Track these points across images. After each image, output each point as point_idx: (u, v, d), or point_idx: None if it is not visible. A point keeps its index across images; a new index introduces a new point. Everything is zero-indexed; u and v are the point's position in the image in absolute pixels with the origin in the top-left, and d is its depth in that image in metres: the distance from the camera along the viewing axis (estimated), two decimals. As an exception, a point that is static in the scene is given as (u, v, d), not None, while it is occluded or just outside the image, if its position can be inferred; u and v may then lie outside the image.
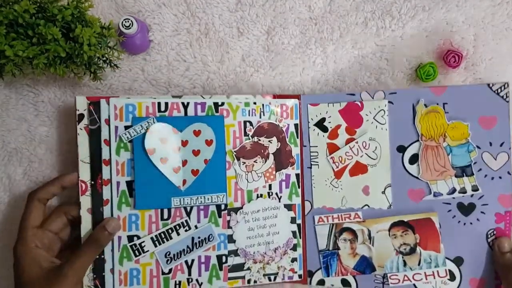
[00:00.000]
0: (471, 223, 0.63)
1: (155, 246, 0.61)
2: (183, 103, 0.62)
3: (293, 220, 0.66)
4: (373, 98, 0.66)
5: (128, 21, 0.61)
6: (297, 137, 0.66)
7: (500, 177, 0.63)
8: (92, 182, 0.60)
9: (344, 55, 0.68)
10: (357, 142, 0.66)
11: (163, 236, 0.61)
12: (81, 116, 0.60)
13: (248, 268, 0.64)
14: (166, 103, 0.61)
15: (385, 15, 0.68)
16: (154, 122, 0.60)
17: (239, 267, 0.64)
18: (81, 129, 0.59)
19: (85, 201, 0.59)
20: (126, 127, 0.60)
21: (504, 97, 0.63)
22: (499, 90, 0.63)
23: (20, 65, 0.58)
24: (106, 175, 0.60)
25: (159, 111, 0.61)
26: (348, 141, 0.66)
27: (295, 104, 0.66)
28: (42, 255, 0.56)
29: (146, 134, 0.60)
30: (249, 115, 0.64)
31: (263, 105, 0.65)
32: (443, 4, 0.68)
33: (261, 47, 0.68)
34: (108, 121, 0.60)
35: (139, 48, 0.66)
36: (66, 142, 0.66)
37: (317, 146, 0.67)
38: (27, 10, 0.54)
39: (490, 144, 0.63)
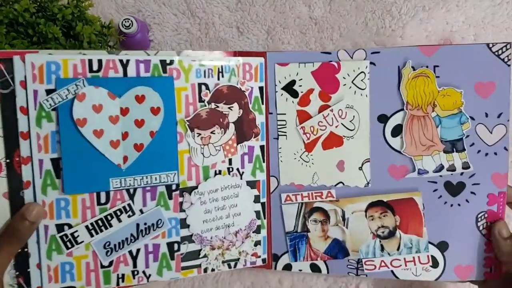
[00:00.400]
0: (459, 205, 0.56)
1: (91, 235, 0.51)
2: (121, 61, 0.50)
3: (256, 199, 0.58)
4: (352, 58, 0.56)
5: (128, 21, 0.61)
6: (262, 103, 0.57)
7: (495, 153, 0.55)
8: (8, 161, 0.48)
9: None
10: (332, 110, 0.57)
11: (100, 224, 0.51)
12: None
13: (205, 256, 0.56)
14: (100, 61, 0.49)
15: (385, 15, 0.68)
16: (84, 85, 0.48)
17: (194, 255, 0.55)
18: None
19: (0, 184, 0.48)
20: (49, 92, 0.48)
21: (506, 60, 0.53)
22: (499, 52, 0.53)
23: None
24: (25, 152, 0.48)
25: (91, 70, 0.49)
26: (321, 109, 0.57)
27: (260, 63, 0.56)
28: None
29: (75, 100, 0.48)
30: (204, 77, 0.54)
31: (221, 64, 0.54)
32: (443, 4, 0.68)
33: (261, 47, 0.68)
34: (24, 84, 0.47)
35: (139, 48, 0.65)
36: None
37: (285, 114, 0.57)
38: (27, 9, 0.54)
39: (486, 115, 0.54)
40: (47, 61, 0.47)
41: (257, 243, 0.58)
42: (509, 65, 0.53)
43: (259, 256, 0.58)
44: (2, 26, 0.53)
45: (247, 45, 0.68)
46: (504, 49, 0.53)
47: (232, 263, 0.57)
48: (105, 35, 0.60)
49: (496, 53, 0.53)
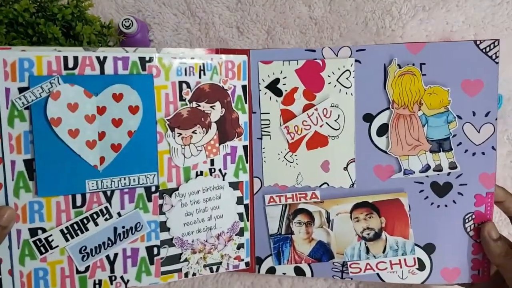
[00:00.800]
0: (446, 206, 0.55)
1: (67, 240, 0.49)
2: (98, 58, 0.48)
3: (239, 201, 0.56)
4: (337, 55, 0.55)
5: (128, 21, 0.61)
6: (246, 102, 0.55)
7: (483, 153, 0.54)
8: (-23, 162, 0.45)
9: None
10: (316, 109, 0.55)
11: (76, 228, 0.49)
12: None
13: (186, 260, 0.54)
14: (76, 58, 0.47)
15: (385, 15, 0.68)
16: (59, 83, 0.46)
17: (174, 259, 0.53)
18: None
19: (-31, 187, 0.46)
20: (21, 90, 0.46)
21: (493, 57, 0.52)
22: (487, 49, 0.52)
23: None
24: (-4, 153, 0.46)
25: (66, 68, 0.47)
26: (306, 108, 0.56)
27: (243, 61, 0.55)
28: None
29: (49, 99, 0.46)
30: (186, 75, 0.52)
31: (203, 62, 0.52)
32: (443, 4, 0.68)
33: (261, 46, 0.68)
34: (-5, 81, 0.45)
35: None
36: None
37: (269, 113, 0.56)
38: (27, 9, 0.54)
39: (474, 113, 0.53)
40: (20, 58, 0.45)
41: (240, 246, 0.56)
42: (497, 63, 0.52)
43: (242, 260, 0.57)
44: (2, 26, 0.53)
45: (247, 45, 0.68)
46: (492, 46, 0.52)
47: (214, 267, 0.56)
48: (105, 35, 0.60)
49: (484, 50, 0.52)
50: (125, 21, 0.61)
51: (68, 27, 0.57)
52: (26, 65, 0.45)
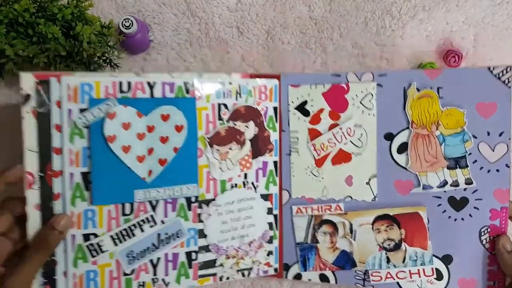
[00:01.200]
0: (462, 219, 0.58)
1: (115, 244, 0.54)
2: (148, 83, 0.53)
3: (269, 211, 0.61)
4: (360, 80, 0.60)
5: (128, 21, 0.61)
6: (276, 121, 0.60)
7: (497, 170, 0.57)
8: (41, 174, 0.51)
9: (344, 55, 0.68)
10: (341, 128, 0.60)
11: (124, 234, 0.54)
12: (28, 97, 0.50)
13: (221, 265, 0.59)
14: (129, 83, 0.53)
15: (385, 15, 0.68)
16: (115, 105, 0.52)
17: (210, 264, 0.58)
18: (27, 112, 0.50)
19: (32, 196, 0.51)
20: (82, 110, 0.51)
21: (506, 82, 0.56)
22: (500, 74, 0.56)
23: (20, 64, 0.57)
24: (57, 166, 0.51)
25: (121, 91, 0.52)
26: (331, 127, 0.60)
27: (274, 85, 0.60)
28: None
29: (106, 118, 0.51)
30: (224, 97, 0.58)
31: (239, 85, 0.58)
32: (443, 4, 0.68)
33: (261, 46, 0.68)
34: (60, 103, 0.50)
35: (139, 48, 0.66)
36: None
37: (297, 132, 0.61)
38: (27, 9, 0.54)
39: (488, 133, 0.57)
40: (81, 83, 0.51)
41: (269, 253, 0.61)
42: (509, 87, 0.56)
43: (271, 266, 0.61)
44: (2, 26, 0.54)
45: (247, 45, 0.68)
46: (504, 71, 0.56)
47: (246, 272, 0.60)
48: (105, 35, 0.59)
49: (497, 75, 0.56)
50: (125, 21, 0.61)
51: (68, 27, 0.57)
52: (87, 89, 0.51)
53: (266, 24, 0.68)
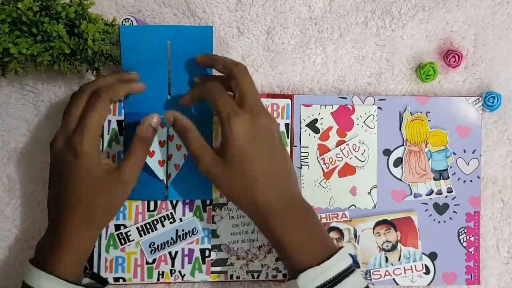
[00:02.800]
0: (444, 222, 0.67)
1: (140, 236, 0.63)
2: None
3: (280, 219, 0.66)
4: (363, 103, 0.67)
5: (128, 21, 0.62)
6: (288, 137, 0.67)
7: (471, 181, 0.68)
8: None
9: (344, 55, 0.68)
10: (347, 145, 0.66)
11: (148, 227, 0.63)
12: None
13: (231, 264, 0.65)
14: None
15: (385, 15, 0.68)
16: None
17: (221, 262, 0.65)
18: None
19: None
20: (119, 121, 0.63)
21: (478, 109, 0.67)
22: (474, 103, 0.67)
23: (24, 63, 0.58)
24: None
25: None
26: (338, 143, 0.66)
27: (286, 104, 0.66)
28: (100, 155, 0.56)
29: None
30: None
31: None
32: (443, 4, 0.68)
33: (261, 46, 0.68)
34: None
35: None
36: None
37: (308, 147, 0.67)
38: (31, 8, 0.54)
39: (464, 151, 0.68)
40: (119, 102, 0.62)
41: (278, 259, 0.66)
42: (481, 113, 0.67)
43: (280, 271, 0.66)
44: (5, 25, 0.54)
45: (247, 45, 0.68)
46: (477, 101, 0.67)
47: (255, 274, 0.65)
48: (108, 33, 0.60)
49: (472, 103, 0.67)
50: (125, 21, 0.61)
51: (71, 26, 0.57)
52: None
53: (266, 24, 0.68)
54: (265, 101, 0.66)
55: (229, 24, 0.68)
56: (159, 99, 0.63)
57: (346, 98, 0.66)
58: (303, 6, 0.68)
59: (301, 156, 0.67)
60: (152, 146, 0.61)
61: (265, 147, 0.55)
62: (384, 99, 0.67)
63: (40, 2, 0.57)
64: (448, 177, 0.67)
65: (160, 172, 0.62)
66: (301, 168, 0.67)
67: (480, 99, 0.67)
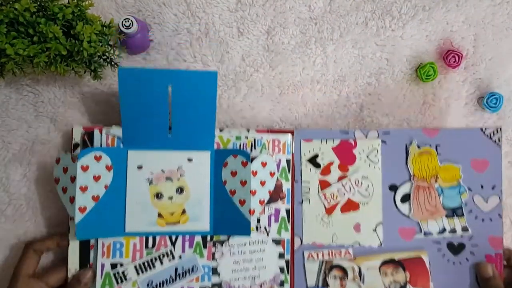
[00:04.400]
0: (460, 263, 0.63)
1: (138, 274, 0.61)
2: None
3: (281, 256, 0.65)
4: (366, 137, 0.65)
5: (128, 21, 0.61)
6: (289, 172, 0.66)
7: (490, 219, 0.63)
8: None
9: (344, 55, 0.69)
10: (349, 180, 0.65)
11: (146, 265, 0.61)
12: (76, 146, 0.62)
13: (232, 302, 0.63)
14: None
15: (385, 15, 0.68)
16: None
17: (222, 301, 0.63)
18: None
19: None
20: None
21: (497, 141, 0.63)
22: (491, 135, 0.64)
23: (21, 64, 0.58)
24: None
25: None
26: (340, 178, 0.65)
27: (288, 139, 0.66)
28: None
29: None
30: (240, 148, 0.64)
31: (254, 139, 0.64)
32: (443, 4, 0.69)
33: (261, 46, 0.68)
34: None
35: (139, 47, 0.66)
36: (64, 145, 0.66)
37: (309, 182, 0.66)
38: (28, 9, 0.54)
39: (482, 187, 0.63)
40: (117, 136, 0.62)
41: (279, 296, 0.65)
42: (499, 146, 0.62)
43: (281, 308, 0.65)
44: (2, 26, 0.54)
45: (247, 45, 0.68)
46: (495, 132, 0.62)
47: (257, 311, 0.64)
48: (105, 34, 0.59)
49: (488, 135, 0.62)
50: (125, 21, 0.61)
51: (68, 27, 0.57)
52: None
53: (266, 24, 0.68)
54: (266, 136, 0.65)
55: (229, 24, 0.68)
56: (159, 137, 0.61)
57: (348, 133, 0.66)
58: (303, 6, 0.68)
59: (302, 191, 0.66)
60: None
61: None
62: (388, 132, 0.65)
63: (37, 3, 0.56)
64: (463, 215, 0.63)
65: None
66: (302, 203, 0.66)
67: (498, 130, 0.63)
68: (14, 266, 0.60)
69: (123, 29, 0.62)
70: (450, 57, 0.67)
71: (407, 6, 0.68)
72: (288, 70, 0.69)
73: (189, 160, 0.62)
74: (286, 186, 0.65)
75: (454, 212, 0.64)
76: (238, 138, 0.64)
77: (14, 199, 0.65)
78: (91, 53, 0.57)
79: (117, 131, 0.61)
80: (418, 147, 0.64)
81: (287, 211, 0.65)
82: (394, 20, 0.69)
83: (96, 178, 0.58)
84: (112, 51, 0.62)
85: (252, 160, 0.61)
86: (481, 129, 0.64)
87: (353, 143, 0.65)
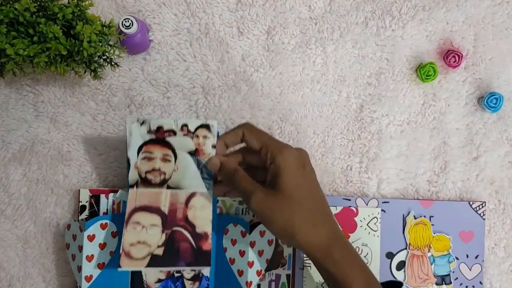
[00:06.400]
0: None
1: None
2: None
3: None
4: (367, 205, 0.67)
5: (128, 21, 0.61)
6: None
7: (473, 286, 0.67)
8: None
9: (344, 55, 0.69)
10: (351, 247, 0.67)
11: None
12: (83, 208, 0.63)
13: None
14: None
15: (385, 15, 0.69)
16: None
17: None
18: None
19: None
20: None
21: (481, 215, 0.68)
22: (477, 208, 0.68)
23: (21, 64, 0.59)
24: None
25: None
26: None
27: None
28: None
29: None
30: (242, 214, 0.64)
31: None
32: (443, 4, 0.69)
33: (261, 46, 0.68)
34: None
35: (139, 48, 0.66)
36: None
37: None
38: (28, 9, 0.55)
39: (467, 256, 0.68)
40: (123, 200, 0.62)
41: None
42: (484, 219, 0.68)
43: None
44: (2, 26, 0.54)
45: (247, 45, 0.68)
46: (480, 206, 0.68)
47: None
48: (105, 34, 0.59)
49: (475, 209, 0.68)
50: (125, 21, 0.61)
51: (68, 27, 0.57)
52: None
53: (266, 24, 0.68)
54: None
55: (229, 24, 0.68)
56: None
57: (350, 200, 0.67)
58: (303, 6, 0.68)
59: (303, 257, 0.66)
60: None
61: (314, 175, 0.56)
62: (388, 202, 0.67)
63: (37, 3, 0.57)
64: (451, 282, 0.67)
65: None
66: (303, 269, 0.66)
67: (484, 205, 0.68)
68: (13, 266, 0.62)
69: (123, 29, 0.62)
70: (450, 57, 0.67)
71: (407, 6, 0.68)
72: (288, 70, 0.68)
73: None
74: (287, 251, 0.65)
75: (443, 280, 0.67)
76: (240, 202, 0.64)
77: (14, 199, 0.66)
78: (91, 53, 0.57)
79: (123, 195, 0.61)
80: (415, 217, 0.67)
81: (288, 277, 0.65)
82: (394, 20, 0.68)
83: (102, 246, 0.59)
84: (112, 51, 0.61)
85: (252, 227, 0.61)
86: (469, 203, 0.68)
87: (354, 210, 0.66)
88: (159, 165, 0.58)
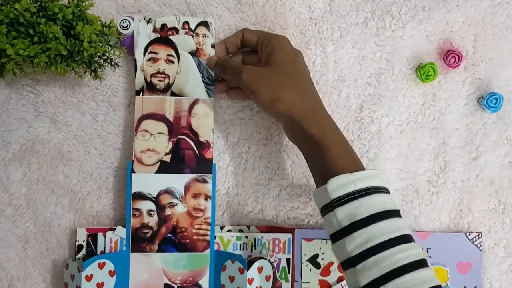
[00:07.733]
0: None
1: None
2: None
3: None
4: None
5: (125, 22, 0.62)
6: (289, 272, 0.65)
7: None
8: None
9: (344, 55, 0.69)
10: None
11: None
12: (80, 247, 0.63)
13: None
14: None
15: (385, 15, 0.68)
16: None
17: None
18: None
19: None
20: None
21: (478, 246, 0.68)
22: (474, 239, 0.67)
23: (21, 64, 0.59)
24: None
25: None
26: (340, 279, 0.66)
27: (288, 238, 0.65)
28: None
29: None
30: (240, 249, 0.64)
31: (255, 239, 0.64)
32: (443, 4, 0.69)
33: None
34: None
35: None
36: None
37: (309, 282, 0.65)
38: (28, 9, 0.55)
39: (465, 287, 0.67)
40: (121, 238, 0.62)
41: None
42: (481, 250, 0.67)
43: None
44: (2, 26, 0.54)
45: None
46: (477, 237, 0.68)
47: None
48: (106, 34, 0.59)
49: (472, 240, 0.67)
50: (123, 22, 0.61)
51: (69, 27, 0.57)
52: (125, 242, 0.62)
53: (266, 25, 0.68)
54: (267, 236, 0.65)
55: (229, 25, 0.67)
56: None
57: None
58: (303, 7, 0.68)
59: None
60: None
61: (304, 65, 0.62)
62: None
63: (38, 3, 0.57)
64: None
65: None
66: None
67: (480, 236, 0.68)
68: (13, 266, 0.62)
69: (120, 30, 0.62)
70: (450, 57, 0.67)
71: (407, 6, 0.68)
72: (288, 70, 0.68)
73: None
74: (286, 286, 0.65)
75: (440, 312, 0.68)
76: (238, 238, 0.64)
77: (14, 199, 0.65)
78: (91, 53, 0.57)
79: (121, 232, 0.62)
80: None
81: (288, 260, 0.65)
82: (394, 20, 0.68)
83: (100, 286, 0.59)
84: (112, 51, 0.61)
85: (250, 263, 0.61)
86: (465, 234, 0.68)
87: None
88: (164, 66, 0.63)
